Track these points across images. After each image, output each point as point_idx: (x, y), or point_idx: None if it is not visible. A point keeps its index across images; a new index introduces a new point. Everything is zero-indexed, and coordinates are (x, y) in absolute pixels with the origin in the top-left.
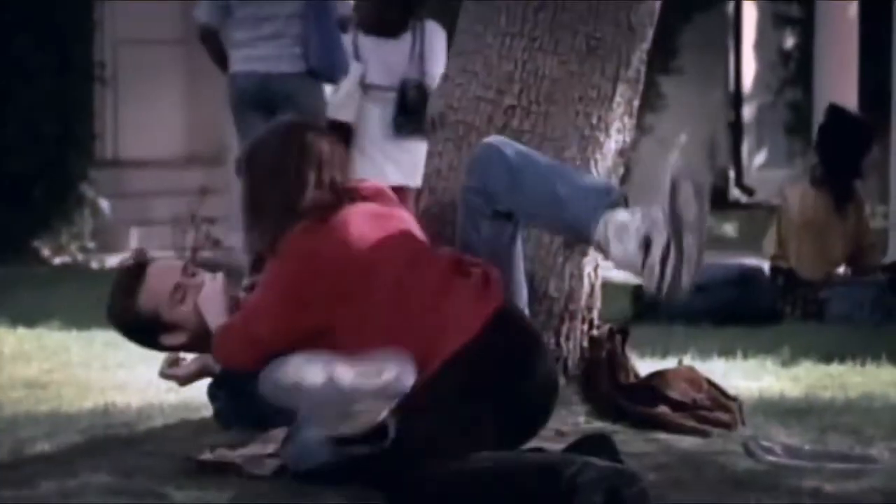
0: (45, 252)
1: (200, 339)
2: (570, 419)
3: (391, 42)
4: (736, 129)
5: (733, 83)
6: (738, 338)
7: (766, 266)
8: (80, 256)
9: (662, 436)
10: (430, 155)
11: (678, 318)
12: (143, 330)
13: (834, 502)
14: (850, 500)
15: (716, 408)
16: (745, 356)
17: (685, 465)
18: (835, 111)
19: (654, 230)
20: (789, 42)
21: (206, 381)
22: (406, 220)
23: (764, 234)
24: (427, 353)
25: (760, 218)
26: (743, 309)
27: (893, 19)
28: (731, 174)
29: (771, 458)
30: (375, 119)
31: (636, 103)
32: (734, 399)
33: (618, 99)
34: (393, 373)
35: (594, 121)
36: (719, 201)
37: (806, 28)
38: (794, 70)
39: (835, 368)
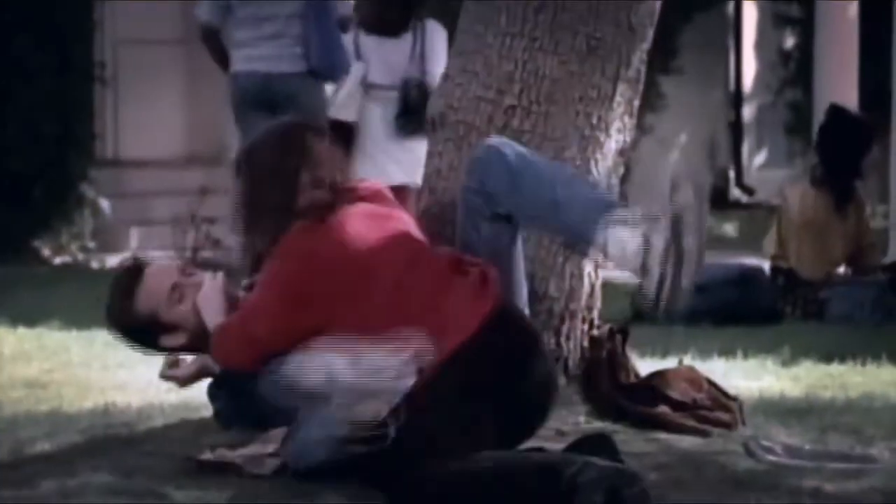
0: (46, 252)
1: (200, 340)
2: (571, 419)
3: (392, 41)
4: (736, 128)
5: (733, 83)
6: (738, 338)
7: (766, 266)
8: (80, 256)
9: (663, 436)
10: (430, 155)
11: (678, 318)
12: (143, 332)
13: (834, 502)
14: (850, 499)
15: (716, 408)
16: (746, 356)
17: (685, 464)
18: (835, 111)
19: (653, 231)
20: (789, 42)
21: (207, 381)
22: (404, 219)
23: (764, 234)
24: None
25: (760, 218)
26: (743, 309)
27: (894, 19)
28: (732, 174)
29: (771, 457)
30: (377, 118)
31: (636, 103)
32: (734, 399)
33: (618, 99)
34: (412, 351)
35: (594, 121)
36: (719, 201)
37: (806, 28)
38: (794, 70)
39: (835, 368)
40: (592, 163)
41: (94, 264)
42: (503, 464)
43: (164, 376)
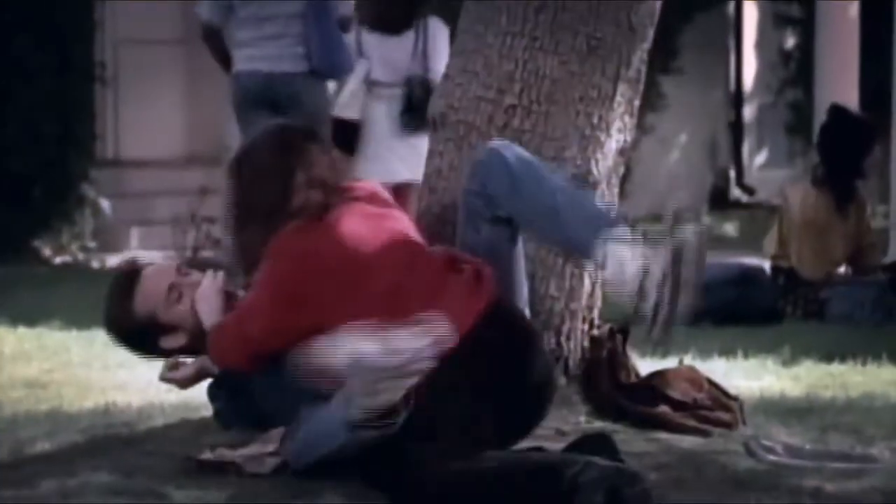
0: (46, 252)
1: (199, 340)
2: (571, 418)
3: (395, 39)
4: (736, 128)
5: (734, 83)
6: (738, 337)
7: (766, 266)
8: (80, 256)
9: (663, 435)
10: (430, 154)
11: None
12: (142, 334)
13: (835, 502)
14: (850, 499)
15: (717, 407)
16: (746, 356)
17: (686, 464)
18: (837, 111)
19: (652, 261)
20: (790, 42)
21: (207, 381)
22: (401, 219)
23: (764, 234)
24: None
25: (761, 217)
26: (743, 308)
27: (894, 19)
28: (732, 174)
29: (772, 457)
30: (381, 116)
31: (637, 103)
32: (735, 399)
33: (618, 99)
34: (437, 334)
35: (595, 120)
36: (720, 201)
37: (806, 28)
38: (794, 70)
39: (835, 368)
40: (593, 162)
41: (95, 264)
42: (504, 463)
43: (164, 378)
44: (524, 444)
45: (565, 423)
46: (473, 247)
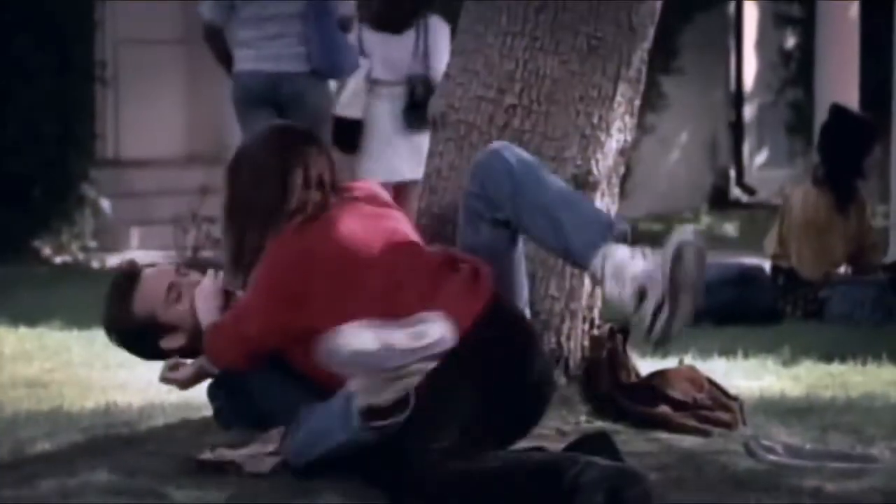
0: (46, 251)
1: (199, 340)
2: (572, 418)
3: (396, 38)
4: (737, 128)
5: (734, 83)
6: (738, 337)
7: (766, 265)
8: (80, 256)
9: (663, 435)
10: (430, 154)
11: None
12: (142, 334)
13: (835, 502)
14: (851, 499)
15: (717, 407)
16: (746, 355)
17: (686, 464)
18: (838, 111)
19: (650, 284)
20: (790, 42)
21: (208, 381)
22: (400, 219)
23: (765, 234)
24: None
25: (761, 217)
26: (743, 308)
27: (894, 19)
28: (732, 173)
29: (772, 457)
30: (382, 114)
31: (637, 103)
32: (735, 398)
33: (619, 98)
34: (438, 333)
35: (595, 120)
36: (720, 201)
37: (807, 28)
38: (794, 70)
39: (836, 368)
40: (593, 162)
41: (95, 264)
42: (504, 463)
43: (164, 379)
44: (524, 443)
45: (565, 423)
46: (474, 248)
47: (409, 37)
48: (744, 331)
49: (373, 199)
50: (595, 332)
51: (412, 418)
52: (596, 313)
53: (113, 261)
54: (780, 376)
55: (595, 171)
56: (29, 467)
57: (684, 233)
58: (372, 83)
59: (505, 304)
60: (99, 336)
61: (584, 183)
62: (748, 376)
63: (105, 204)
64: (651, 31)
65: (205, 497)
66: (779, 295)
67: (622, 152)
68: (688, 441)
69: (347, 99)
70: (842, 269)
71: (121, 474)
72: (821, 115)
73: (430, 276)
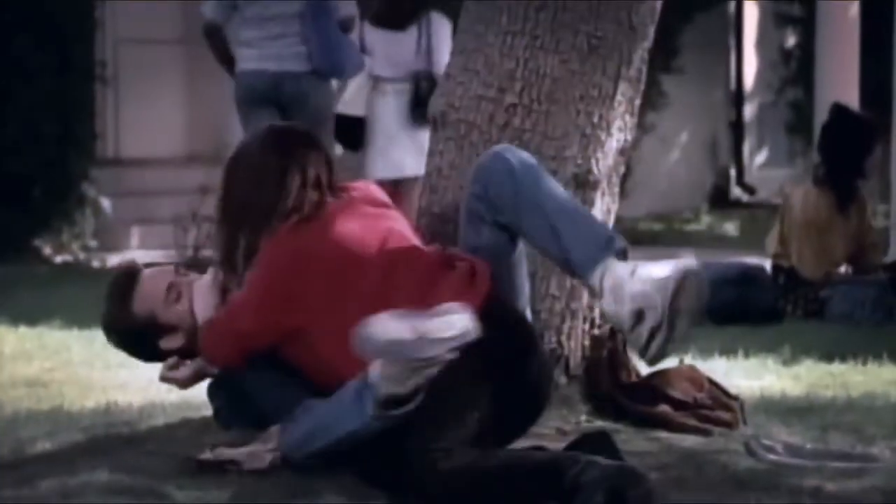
0: (47, 251)
1: (197, 340)
2: (572, 418)
3: (399, 35)
4: (737, 127)
5: (734, 82)
6: (739, 337)
7: (767, 265)
8: (81, 255)
9: (664, 435)
10: (431, 153)
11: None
12: (141, 335)
13: (835, 501)
14: (851, 499)
15: (717, 407)
16: (747, 355)
17: (686, 464)
18: (839, 110)
19: (648, 307)
20: (790, 41)
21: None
22: (397, 219)
23: (765, 233)
24: None
25: (761, 217)
26: (744, 308)
27: (894, 18)
28: (733, 173)
29: (772, 456)
30: (386, 111)
31: (637, 102)
32: (735, 398)
33: (619, 98)
34: (465, 325)
35: (595, 119)
36: (720, 200)
37: (807, 27)
38: (795, 69)
39: (836, 367)
40: (593, 161)
41: (96, 263)
42: (505, 462)
43: (164, 378)
44: (524, 443)
45: (566, 422)
46: (475, 249)
47: (411, 34)
48: (744, 330)
49: (370, 200)
50: (595, 331)
51: (412, 418)
52: (597, 313)
53: (113, 260)
54: (780, 376)
55: (595, 170)
56: (29, 467)
57: (687, 262)
58: (375, 80)
59: (502, 301)
60: (99, 335)
61: (584, 182)
62: (749, 376)
63: (105, 203)
64: (651, 31)
65: (205, 496)
66: (779, 294)
67: (622, 151)
68: (688, 440)
69: (350, 97)
70: (842, 269)
71: (121, 474)
72: (821, 115)
73: (427, 275)
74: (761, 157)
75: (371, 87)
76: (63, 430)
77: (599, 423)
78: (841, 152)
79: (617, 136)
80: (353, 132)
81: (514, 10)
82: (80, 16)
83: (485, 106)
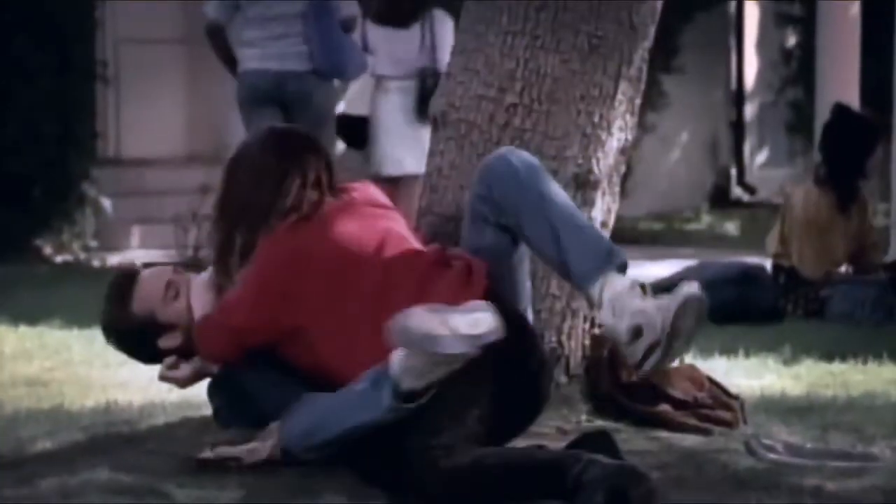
0: (47, 251)
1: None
2: (572, 417)
3: (402, 33)
4: (738, 127)
5: (735, 82)
6: (739, 336)
7: (767, 264)
8: (81, 255)
9: (664, 434)
10: (431, 153)
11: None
12: (141, 335)
13: (835, 501)
14: (851, 498)
15: (717, 406)
16: (747, 354)
17: (687, 463)
18: (841, 110)
19: (646, 325)
20: (791, 41)
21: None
22: (396, 219)
23: (766, 233)
24: None
25: (762, 216)
26: (744, 307)
27: (894, 18)
28: (733, 172)
29: (772, 456)
30: (389, 109)
31: (638, 102)
32: (736, 397)
33: (619, 97)
34: (490, 323)
35: (596, 119)
36: (721, 200)
37: (808, 27)
38: (795, 69)
39: (836, 367)
40: (594, 161)
41: (96, 263)
42: (506, 461)
43: (164, 377)
44: (524, 442)
45: (566, 421)
46: (477, 249)
47: (414, 31)
48: (745, 329)
49: (370, 201)
50: (596, 330)
51: (412, 416)
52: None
53: (114, 260)
54: (780, 375)
55: (596, 169)
56: (29, 466)
57: (691, 287)
58: (378, 79)
59: (500, 300)
60: (99, 335)
61: (584, 182)
62: (749, 375)
63: (106, 203)
64: (652, 30)
65: (205, 496)
66: (780, 294)
67: (623, 151)
68: (688, 440)
69: (353, 95)
70: (843, 269)
71: (121, 473)
72: (821, 115)
73: (424, 274)
74: (762, 157)
75: (374, 86)
76: (63, 429)
77: (600, 423)
78: (842, 152)
79: (617, 136)
80: (357, 131)
81: (515, 10)
82: (80, 16)
83: (485, 106)
